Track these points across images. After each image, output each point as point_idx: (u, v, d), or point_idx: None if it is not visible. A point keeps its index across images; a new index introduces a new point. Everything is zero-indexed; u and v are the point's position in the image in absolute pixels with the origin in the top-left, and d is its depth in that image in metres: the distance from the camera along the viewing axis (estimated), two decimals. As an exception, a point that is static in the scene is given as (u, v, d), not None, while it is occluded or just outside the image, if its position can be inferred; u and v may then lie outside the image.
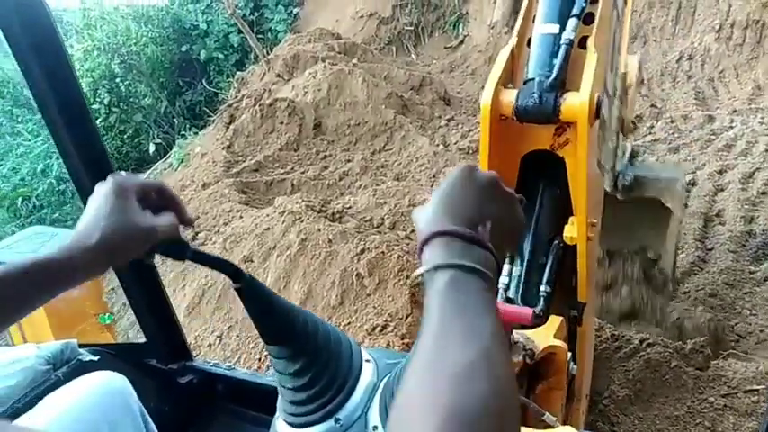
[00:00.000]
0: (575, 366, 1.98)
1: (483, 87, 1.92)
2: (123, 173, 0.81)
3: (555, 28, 1.90)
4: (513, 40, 2.09)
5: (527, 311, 1.72)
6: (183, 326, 3.43)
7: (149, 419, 1.21)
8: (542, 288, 1.99)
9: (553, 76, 1.84)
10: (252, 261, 3.38)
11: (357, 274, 2.96)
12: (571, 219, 2.06)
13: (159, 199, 0.82)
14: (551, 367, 1.87)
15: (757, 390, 2.56)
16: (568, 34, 1.86)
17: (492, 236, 0.72)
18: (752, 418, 2.45)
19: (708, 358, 2.77)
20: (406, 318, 2.76)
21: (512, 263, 2.14)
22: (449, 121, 5.80)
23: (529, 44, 2.05)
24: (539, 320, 2.02)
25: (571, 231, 2.03)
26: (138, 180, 0.79)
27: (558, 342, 1.84)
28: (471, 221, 0.71)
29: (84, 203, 1.18)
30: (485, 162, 2.02)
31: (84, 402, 1.06)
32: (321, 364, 0.98)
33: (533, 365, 1.84)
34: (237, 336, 3.19)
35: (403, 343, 2.60)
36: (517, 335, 1.87)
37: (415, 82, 6.27)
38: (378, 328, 2.68)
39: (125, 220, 0.74)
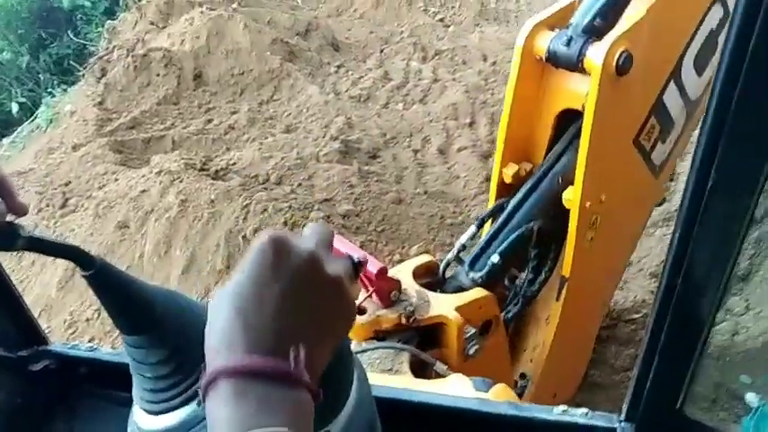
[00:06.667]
0: (474, 347, 1.80)
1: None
2: None
3: None
4: None
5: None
6: (57, 302, 3.18)
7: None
8: (492, 258, 1.92)
9: (587, 20, 1.72)
10: (128, 227, 3.14)
11: (243, 236, 2.81)
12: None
13: None
14: (441, 337, 1.80)
15: (635, 319, 2.70)
16: None
17: (312, 356, 0.50)
18: (630, 345, 2.59)
19: (592, 291, 2.88)
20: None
21: (480, 227, 2.02)
22: (339, 67, 5.62)
23: None
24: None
25: (571, 194, 1.89)
26: None
27: (452, 315, 1.76)
28: (280, 337, 0.49)
29: None
30: (508, 109, 1.90)
31: None
32: (186, 348, 0.86)
33: (423, 328, 1.78)
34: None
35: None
36: (413, 292, 1.81)
37: (300, 27, 6.00)
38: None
39: None
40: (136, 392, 0.91)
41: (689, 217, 0.90)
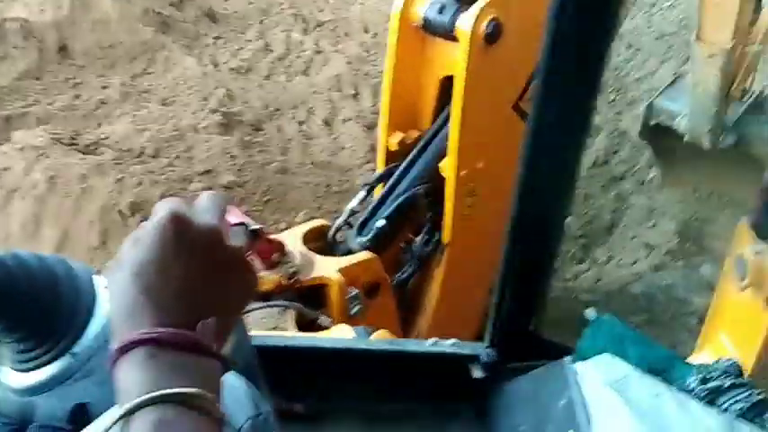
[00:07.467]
0: (357, 307, 1.86)
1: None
2: None
3: None
4: None
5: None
6: None
7: None
8: (377, 222, 1.97)
9: None
10: (-10, 207, 2.92)
11: (119, 211, 2.71)
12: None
13: None
14: (324, 298, 1.85)
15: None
16: None
17: (219, 327, 0.52)
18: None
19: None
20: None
21: (368, 192, 2.06)
22: (216, 39, 5.45)
23: None
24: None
25: (446, 163, 1.93)
26: None
27: (334, 276, 1.82)
28: (187, 312, 0.51)
29: None
30: (389, 78, 1.89)
31: None
32: (34, 311, 0.85)
33: (305, 289, 1.81)
34: None
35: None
36: (298, 254, 1.83)
37: (174, -3, 5.75)
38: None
39: None
40: (4, 354, 0.89)
41: (531, 153, 1.01)
